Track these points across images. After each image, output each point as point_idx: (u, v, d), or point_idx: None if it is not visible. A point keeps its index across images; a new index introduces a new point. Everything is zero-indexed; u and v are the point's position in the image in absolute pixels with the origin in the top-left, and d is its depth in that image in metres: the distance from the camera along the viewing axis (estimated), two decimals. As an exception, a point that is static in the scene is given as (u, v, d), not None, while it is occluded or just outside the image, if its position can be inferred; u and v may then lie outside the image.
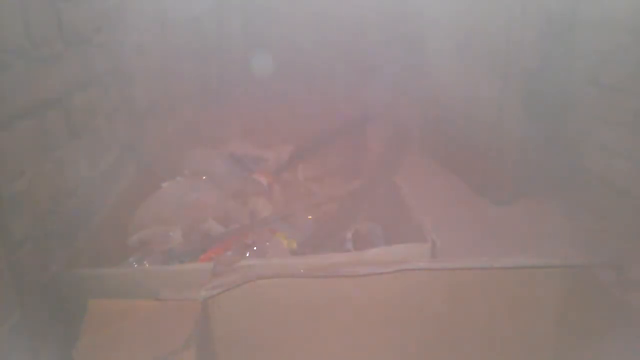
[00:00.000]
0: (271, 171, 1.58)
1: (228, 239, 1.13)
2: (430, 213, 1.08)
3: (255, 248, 1.07)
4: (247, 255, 1.05)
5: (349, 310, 0.91)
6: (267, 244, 1.09)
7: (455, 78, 1.68)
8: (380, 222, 1.20)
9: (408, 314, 0.91)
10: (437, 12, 1.77)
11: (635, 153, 1.10)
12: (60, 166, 0.96)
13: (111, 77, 1.24)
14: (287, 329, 0.91)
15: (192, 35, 1.94)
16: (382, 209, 1.27)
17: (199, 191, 1.32)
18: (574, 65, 1.36)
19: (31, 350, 0.82)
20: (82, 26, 1.09)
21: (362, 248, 1.06)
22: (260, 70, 2.01)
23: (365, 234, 1.16)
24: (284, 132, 1.78)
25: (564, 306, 0.91)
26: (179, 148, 1.61)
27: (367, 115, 1.75)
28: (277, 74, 1.96)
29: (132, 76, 1.37)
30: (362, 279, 0.87)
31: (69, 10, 1.02)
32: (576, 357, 0.90)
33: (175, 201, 1.26)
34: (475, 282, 0.90)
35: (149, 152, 1.44)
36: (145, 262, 1.05)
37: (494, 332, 0.93)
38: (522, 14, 1.39)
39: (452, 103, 1.72)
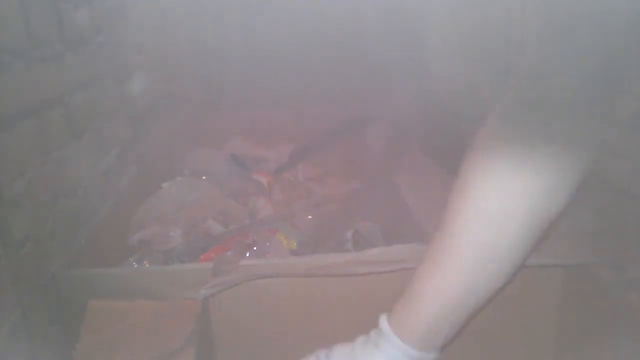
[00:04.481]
0: (271, 171, 1.58)
1: (228, 238, 1.13)
2: (430, 213, 1.08)
3: (255, 248, 1.07)
4: (247, 255, 1.05)
5: (349, 310, 0.91)
6: (267, 244, 1.09)
7: (456, 77, 1.68)
8: (380, 222, 1.20)
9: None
10: (438, 11, 1.77)
11: (635, 153, 1.09)
12: (61, 166, 0.96)
13: (111, 77, 1.24)
14: (287, 329, 0.91)
15: (192, 35, 1.94)
16: (382, 209, 1.27)
17: (199, 191, 1.32)
18: (574, 65, 1.35)
19: (31, 350, 0.82)
20: (83, 26, 1.09)
21: (362, 248, 1.06)
22: (260, 70, 2.01)
23: (365, 234, 1.16)
24: (284, 132, 1.78)
25: (563, 306, 0.91)
26: (179, 148, 1.61)
27: (367, 115, 1.75)
28: (277, 74, 1.96)
29: (132, 76, 1.37)
30: (362, 278, 0.87)
31: (70, 10, 1.02)
32: (576, 357, 0.90)
33: (175, 201, 1.26)
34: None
35: (149, 152, 1.44)
36: (145, 262, 1.05)
37: (493, 331, 0.93)
38: (523, 13, 1.39)
39: (452, 103, 1.71)
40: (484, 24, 1.54)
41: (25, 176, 0.84)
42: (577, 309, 0.89)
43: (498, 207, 0.69)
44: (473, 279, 0.71)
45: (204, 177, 1.48)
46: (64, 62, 1.00)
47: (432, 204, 1.24)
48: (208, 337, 0.88)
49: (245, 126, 1.80)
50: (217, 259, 0.93)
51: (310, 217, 1.31)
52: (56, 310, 0.88)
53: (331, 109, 1.83)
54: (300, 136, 1.74)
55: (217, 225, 1.20)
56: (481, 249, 0.70)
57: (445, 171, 1.75)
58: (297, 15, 2.02)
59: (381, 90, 1.91)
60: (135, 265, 1.04)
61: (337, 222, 1.26)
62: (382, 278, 0.87)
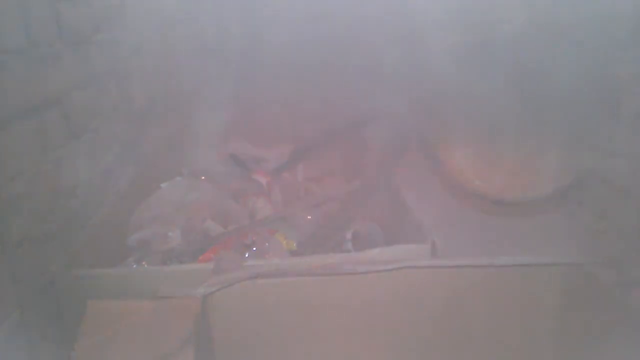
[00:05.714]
0: (271, 171, 1.58)
1: (227, 239, 1.13)
2: (430, 213, 1.08)
3: (254, 248, 1.07)
4: (246, 255, 1.04)
5: (349, 309, 0.91)
6: (267, 244, 1.09)
7: (456, 77, 1.68)
8: (380, 222, 1.20)
9: (408, 313, 0.91)
10: (439, 11, 1.77)
11: (635, 153, 1.09)
12: (59, 166, 0.96)
13: (110, 77, 1.24)
14: (286, 329, 0.91)
15: (192, 35, 1.94)
16: (382, 209, 1.27)
17: (199, 191, 1.32)
18: (574, 65, 1.36)
19: (30, 350, 0.82)
20: (82, 26, 1.09)
21: (361, 248, 1.06)
22: (260, 70, 2.01)
23: (365, 234, 1.16)
24: (284, 132, 1.77)
25: (564, 306, 0.91)
26: (178, 148, 1.61)
27: (367, 115, 1.75)
28: (277, 74, 1.96)
29: (131, 76, 1.37)
30: (362, 278, 0.87)
31: (68, 10, 1.02)
32: (576, 357, 0.90)
33: (174, 201, 1.26)
34: (475, 281, 0.90)
35: (149, 152, 1.44)
36: (144, 263, 1.05)
37: (494, 330, 0.93)
38: (523, 14, 1.39)
39: (452, 102, 1.71)
40: (485, 24, 1.54)
41: (24, 176, 0.84)
42: (577, 309, 0.89)
43: None
44: None
45: (203, 177, 1.48)
46: (63, 62, 1.00)
47: (432, 204, 1.24)
48: (207, 337, 0.87)
49: (245, 126, 1.80)
50: (218, 257, 0.92)
51: (310, 217, 1.31)
52: (55, 311, 0.88)
53: (331, 109, 1.83)
54: (300, 136, 1.73)
55: (216, 226, 1.20)
56: None
57: (445, 171, 1.75)
58: (297, 16, 2.02)
59: (381, 90, 1.91)
60: (134, 266, 1.04)
61: (337, 222, 1.26)
62: (381, 277, 0.87)
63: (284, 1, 2.05)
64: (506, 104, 1.47)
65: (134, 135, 1.37)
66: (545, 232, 1.23)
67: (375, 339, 0.93)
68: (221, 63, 2.09)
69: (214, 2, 2.08)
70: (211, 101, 2.02)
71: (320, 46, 2.00)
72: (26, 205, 0.84)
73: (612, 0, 1.21)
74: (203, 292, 0.83)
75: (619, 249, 0.94)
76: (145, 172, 1.35)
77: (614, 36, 1.20)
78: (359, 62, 2.03)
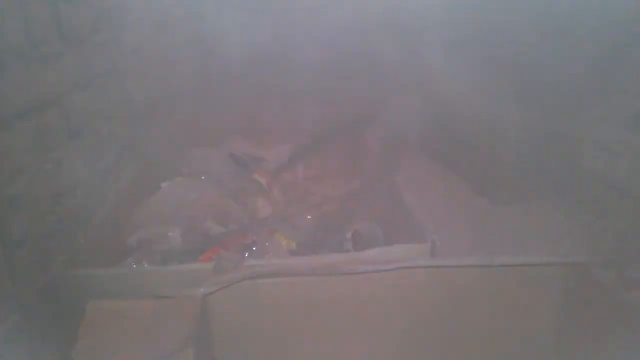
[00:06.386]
0: (271, 171, 1.58)
1: (227, 239, 1.13)
2: (430, 213, 1.08)
3: (254, 248, 1.07)
4: (247, 255, 1.04)
5: (349, 309, 0.91)
6: (267, 244, 1.09)
7: (456, 78, 1.68)
8: (380, 222, 1.20)
9: (408, 312, 0.91)
10: (438, 11, 1.77)
11: (635, 153, 1.09)
12: (60, 166, 0.96)
13: (110, 77, 1.23)
14: (286, 328, 0.91)
15: (192, 35, 1.94)
16: (382, 209, 1.27)
17: (199, 191, 1.32)
18: (574, 65, 1.36)
19: (31, 350, 0.82)
20: (81, 26, 1.09)
21: (362, 248, 1.06)
22: (260, 70, 2.01)
23: (365, 234, 1.16)
24: (283, 132, 1.78)
25: (564, 305, 0.91)
26: (179, 148, 1.61)
27: (367, 115, 1.75)
28: (277, 74, 1.96)
29: (131, 76, 1.37)
30: (362, 278, 0.87)
31: (68, 10, 1.02)
32: (576, 356, 0.90)
33: (174, 201, 1.26)
34: (475, 281, 0.90)
35: (149, 152, 1.44)
36: (144, 263, 1.05)
37: (494, 330, 0.93)
38: (523, 13, 1.39)
39: (452, 103, 1.71)
40: (485, 23, 1.54)
41: (24, 176, 0.84)
42: (577, 309, 0.89)
43: None
44: None
45: (203, 177, 1.48)
46: (63, 62, 1.00)
47: (432, 204, 1.24)
48: (207, 337, 0.88)
49: (245, 126, 1.80)
50: (219, 257, 0.93)
51: (310, 217, 1.31)
52: (55, 311, 0.88)
53: (331, 109, 1.83)
54: (300, 136, 1.74)
55: (217, 226, 1.20)
56: None
57: (445, 171, 1.75)
58: (297, 16, 2.02)
59: (381, 90, 1.91)
60: (135, 266, 1.04)
61: (337, 222, 1.26)
62: (382, 277, 0.87)
63: (284, 1, 2.05)
64: (505, 101, 1.47)
65: (134, 135, 1.37)
66: (545, 232, 1.23)
67: (375, 338, 0.93)
68: (221, 63, 2.09)
69: (214, 2, 2.07)
70: (211, 101, 2.02)
71: (320, 46, 1.99)
72: (27, 205, 0.84)
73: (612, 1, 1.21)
74: (203, 292, 0.83)
75: (619, 249, 0.94)
76: (145, 172, 1.35)
77: (613, 36, 1.20)
78: (359, 62, 2.03)
